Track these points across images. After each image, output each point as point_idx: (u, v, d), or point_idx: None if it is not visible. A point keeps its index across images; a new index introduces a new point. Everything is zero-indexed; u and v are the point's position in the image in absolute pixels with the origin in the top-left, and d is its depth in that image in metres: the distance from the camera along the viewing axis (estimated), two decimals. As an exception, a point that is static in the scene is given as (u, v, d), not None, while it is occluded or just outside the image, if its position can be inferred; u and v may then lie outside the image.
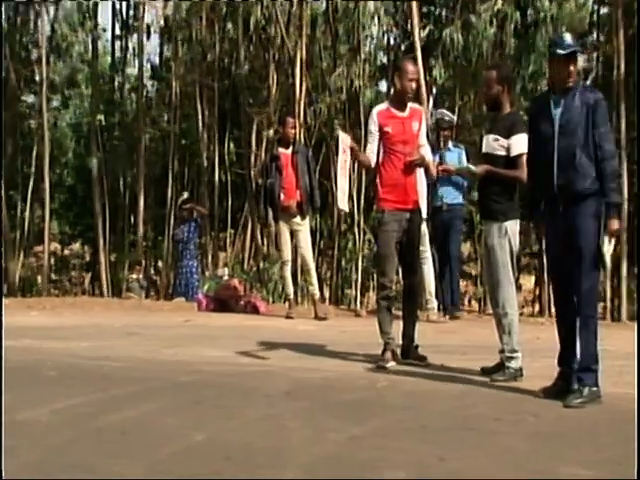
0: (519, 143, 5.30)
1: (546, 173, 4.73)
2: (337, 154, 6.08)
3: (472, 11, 14.30)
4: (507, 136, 5.37)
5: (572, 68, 4.70)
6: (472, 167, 5.57)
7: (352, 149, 5.96)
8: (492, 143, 5.44)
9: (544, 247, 5.04)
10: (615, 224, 4.68)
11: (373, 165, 5.94)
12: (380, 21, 15.32)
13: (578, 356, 4.66)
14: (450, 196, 8.95)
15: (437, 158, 8.79)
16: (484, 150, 5.54)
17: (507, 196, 5.41)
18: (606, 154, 4.62)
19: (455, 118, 9.80)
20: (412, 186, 5.94)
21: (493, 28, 13.96)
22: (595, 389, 4.58)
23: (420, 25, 14.14)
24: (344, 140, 5.99)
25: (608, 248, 4.60)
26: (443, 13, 16.24)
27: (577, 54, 4.76)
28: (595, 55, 17.38)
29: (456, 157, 8.81)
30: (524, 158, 5.26)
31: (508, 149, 5.37)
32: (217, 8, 16.90)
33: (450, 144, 9.08)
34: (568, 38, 4.76)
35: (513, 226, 5.41)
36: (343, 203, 6.06)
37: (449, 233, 9.02)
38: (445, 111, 9.60)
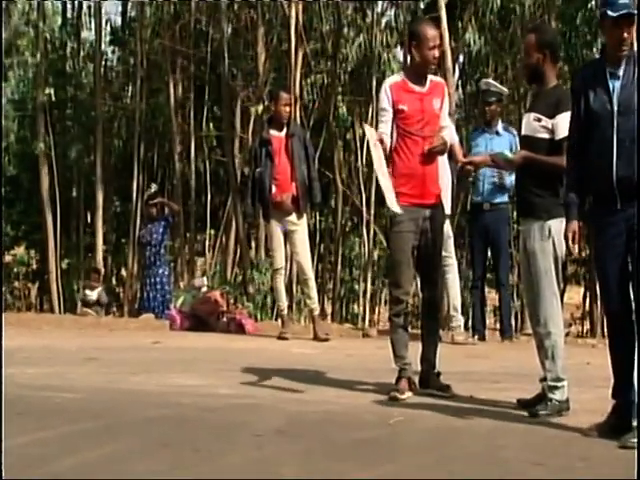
0: (567, 123, 5.28)
1: (601, 162, 4.73)
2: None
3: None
4: (552, 115, 5.39)
5: (626, 34, 4.72)
6: (508, 153, 5.55)
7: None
8: (533, 123, 5.46)
9: (594, 256, 5.04)
10: None
11: (388, 151, 5.96)
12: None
13: (637, 386, 4.69)
14: (493, 193, 8.86)
15: (481, 142, 8.79)
16: (523, 132, 5.57)
17: (551, 189, 5.43)
18: None
19: (506, 90, 9.61)
20: (432, 176, 5.96)
21: None
22: None
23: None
24: (372, 134, 5.98)
25: None
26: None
27: (634, 16, 4.78)
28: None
29: (507, 144, 8.66)
30: None
31: (553, 131, 5.39)
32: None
33: (500, 125, 8.98)
34: None
35: (558, 226, 5.41)
36: (393, 204, 6.01)
37: (494, 246, 8.97)
38: (491, 81, 9.56)
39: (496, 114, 8.99)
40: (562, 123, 5.33)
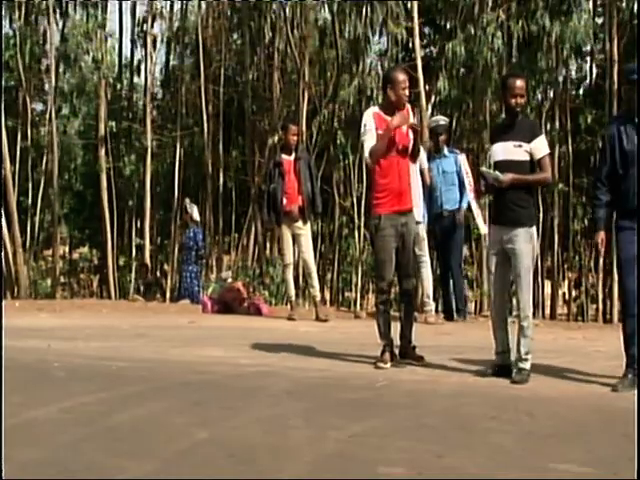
0: (542, 145, 5.33)
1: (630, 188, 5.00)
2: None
3: (474, 24, 14.34)
4: (529, 140, 5.32)
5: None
6: (500, 175, 5.40)
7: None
8: (514, 150, 5.33)
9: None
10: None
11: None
12: (386, 30, 15.29)
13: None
14: (450, 202, 8.88)
15: (433, 165, 8.82)
16: (503, 157, 5.38)
17: (532, 201, 5.45)
18: None
19: (447, 119, 9.71)
20: (407, 191, 5.91)
21: (498, 39, 13.95)
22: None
23: (419, 24, 14.19)
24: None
25: None
26: (447, 25, 16.27)
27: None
28: (589, 64, 17.43)
29: (452, 162, 8.84)
30: (547, 159, 5.36)
31: (531, 153, 5.32)
32: (223, 18, 16.99)
33: (445, 150, 9.03)
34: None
35: (535, 231, 5.43)
36: (482, 227, 5.87)
37: (449, 242, 8.96)
38: (439, 117, 9.55)
39: (445, 143, 9.07)
40: (539, 145, 5.33)
